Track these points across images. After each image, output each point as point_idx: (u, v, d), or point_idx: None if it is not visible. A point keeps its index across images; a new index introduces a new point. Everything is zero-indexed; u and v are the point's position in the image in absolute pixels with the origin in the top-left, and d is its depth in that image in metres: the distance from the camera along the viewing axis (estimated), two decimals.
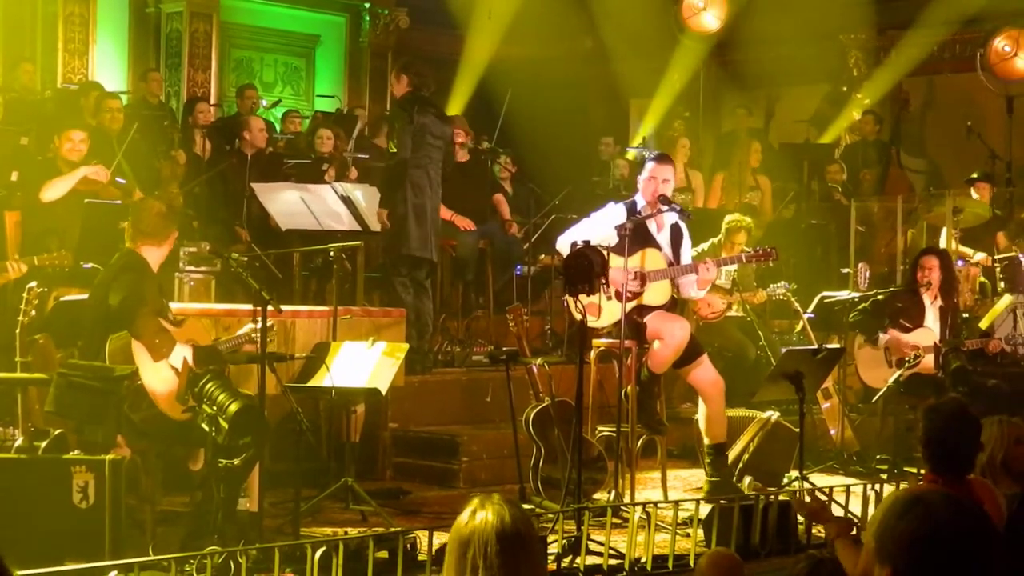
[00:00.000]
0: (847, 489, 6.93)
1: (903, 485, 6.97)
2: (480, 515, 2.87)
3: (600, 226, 7.27)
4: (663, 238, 7.45)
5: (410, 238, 8.96)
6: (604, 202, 7.77)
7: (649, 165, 7.45)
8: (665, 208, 7.32)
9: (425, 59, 14.38)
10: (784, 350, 8.42)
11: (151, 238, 6.45)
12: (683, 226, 7.55)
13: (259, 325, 6.49)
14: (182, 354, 6.26)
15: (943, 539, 2.61)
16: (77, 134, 8.48)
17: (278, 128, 12.43)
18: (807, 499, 5.09)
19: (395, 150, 9.02)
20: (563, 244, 7.26)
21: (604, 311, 7.15)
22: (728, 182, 12.62)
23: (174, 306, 7.31)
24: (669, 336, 7.21)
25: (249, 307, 6.62)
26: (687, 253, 7.58)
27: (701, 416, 7.50)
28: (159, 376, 6.15)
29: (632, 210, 7.35)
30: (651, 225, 7.40)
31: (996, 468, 4.84)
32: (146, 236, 6.45)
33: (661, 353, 7.25)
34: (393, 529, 6.08)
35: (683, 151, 12.33)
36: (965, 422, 4.54)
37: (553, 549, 6.02)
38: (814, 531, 6.67)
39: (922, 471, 4.54)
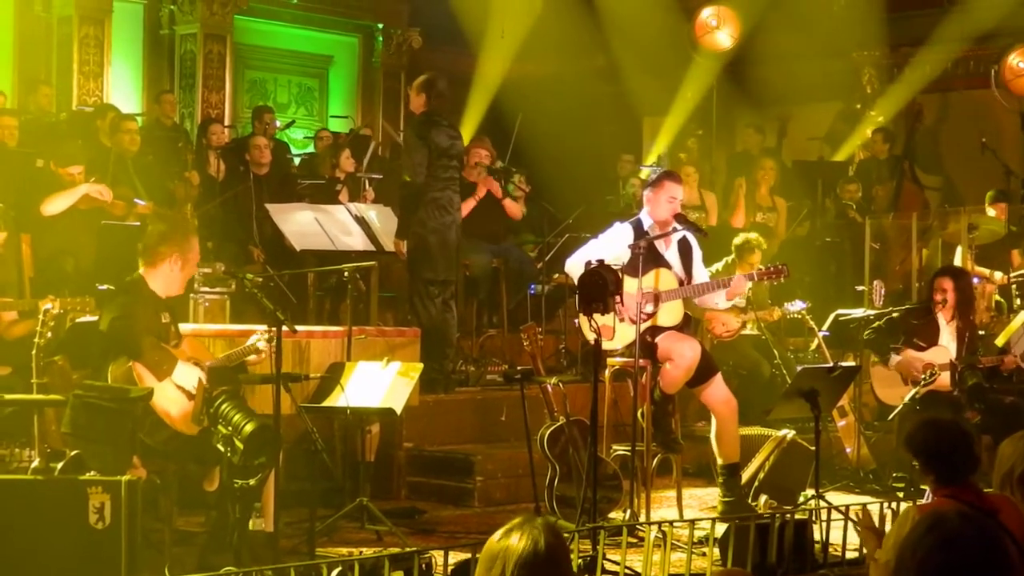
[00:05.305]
0: (863, 507, 6.89)
1: (920, 503, 6.95)
2: (514, 537, 2.82)
3: (608, 247, 7.23)
4: (672, 256, 7.44)
5: (436, 262, 8.89)
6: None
7: (657, 183, 7.45)
8: (681, 227, 7.32)
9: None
10: (799, 368, 8.39)
11: (146, 261, 6.43)
12: (691, 239, 7.53)
13: (260, 339, 6.51)
14: (189, 373, 6.26)
15: (957, 551, 2.65)
16: (75, 168, 8.51)
17: (292, 149, 12.46)
18: (874, 520, 5.11)
19: (408, 177, 8.93)
20: (572, 267, 7.25)
21: (617, 333, 7.15)
22: (746, 198, 12.53)
23: (188, 327, 7.32)
24: (679, 357, 7.20)
25: (264, 327, 6.62)
26: (700, 266, 7.57)
27: (713, 436, 7.49)
28: (166, 396, 6.14)
29: (639, 229, 7.34)
30: (659, 244, 7.40)
31: (1013, 483, 4.82)
32: (143, 258, 6.45)
33: (672, 374, 7.24)
34: (408, 549, 6.07)
35: (685, 175, 12.04)
36: (941, 427, 4.74)
37: None
38: (831, 549, 6.67)
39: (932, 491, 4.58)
